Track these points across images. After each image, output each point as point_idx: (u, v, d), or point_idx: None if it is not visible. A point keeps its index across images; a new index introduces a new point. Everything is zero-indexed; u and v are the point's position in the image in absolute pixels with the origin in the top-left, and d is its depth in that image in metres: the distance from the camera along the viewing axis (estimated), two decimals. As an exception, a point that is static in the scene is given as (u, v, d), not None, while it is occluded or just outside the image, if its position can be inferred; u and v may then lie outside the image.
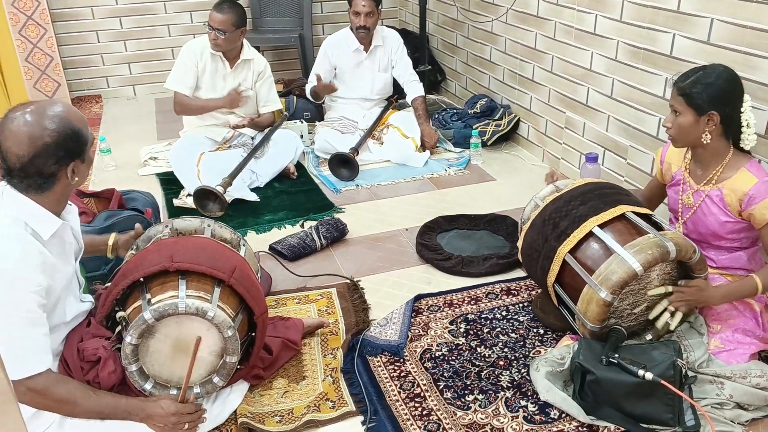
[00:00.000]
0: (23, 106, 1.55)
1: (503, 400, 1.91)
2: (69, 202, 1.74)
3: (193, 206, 3.05)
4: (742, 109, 1.92)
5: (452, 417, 1.86)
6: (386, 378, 2.01)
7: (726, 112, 1.89)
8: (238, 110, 3.48)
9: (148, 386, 1.72)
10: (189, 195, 3.12)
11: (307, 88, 3.86)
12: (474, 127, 3.77)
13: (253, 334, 1.89)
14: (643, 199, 2.27)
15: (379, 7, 3.65)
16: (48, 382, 1.54)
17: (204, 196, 3.03)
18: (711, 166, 2.00)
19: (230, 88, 3.42)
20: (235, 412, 1.86)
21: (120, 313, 1.74)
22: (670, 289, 1.93)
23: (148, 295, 1.72)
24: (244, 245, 2.06)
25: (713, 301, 1.94)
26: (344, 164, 3.46)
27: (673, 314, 1.94)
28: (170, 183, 3.35)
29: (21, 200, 1.56)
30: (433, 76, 4.69)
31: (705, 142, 1.94)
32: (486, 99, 3.98)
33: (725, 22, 2.32)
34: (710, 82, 1.88)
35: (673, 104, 1.95)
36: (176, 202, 3.17)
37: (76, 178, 1.59)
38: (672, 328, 1.95)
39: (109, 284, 1.86)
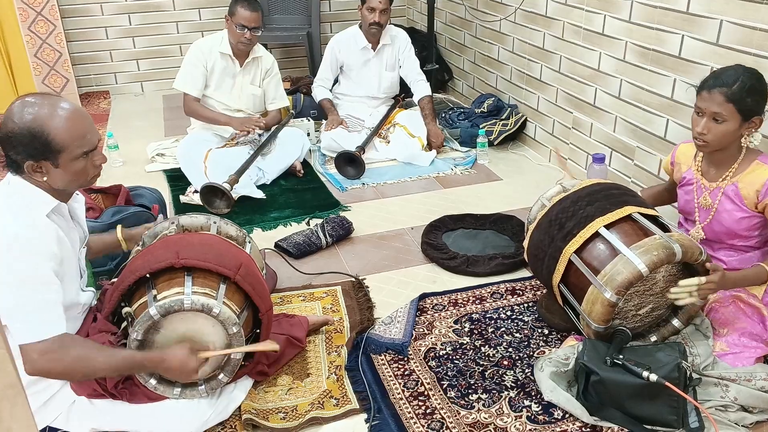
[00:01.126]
0: (32, 95, 1.59)
1: (507, 399, 1.91)
2: (76, 192, 1.77)
3: (200, 203, 3.06)
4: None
5: (455, 416, 1.86)
6: (390, 376, 2.02)
7: (763, 114, 1.91)
8: (246, 108, 3.49)
9: (152, 381, 1.73)
10: (196, 191, 3.13)
11: (316, 94, 3.86)
12: (481, 126, 3.77)
13: (258, 330, 1.90)
14: (659, 193, 2.29)
15: (391, 5, 3.66)
16: (62, 343, 1.55)
17: (211, 192, 3.04)
18: (726, 164, 2.00)
19: (239, 87, 3.43)
20: (239, 408, 1.87)
21: (126, 309, 1.75)
22: (703, 280, 1.83)
23: (154, 291, 1.73)
24: (249, 242, 2.07)
25: (725, 286, 1.91)
26: (350, 162, 3.46)
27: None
28: (177, 179, 3.37)
29: (20, 179, 1.60)
30: (440, 75, 4.68)
31: (744, 146, 1.95)
32: (493, 98, 3.97)
33: (734, 23, 2.30)
34: (759, 88, 1.88)
35: (718, 111, 1.87)
36: (183, 198, 3.18)
37: (45, 178, 1.58)
38: (684, 303, 1.88)
39: (115, 280, 1.87)
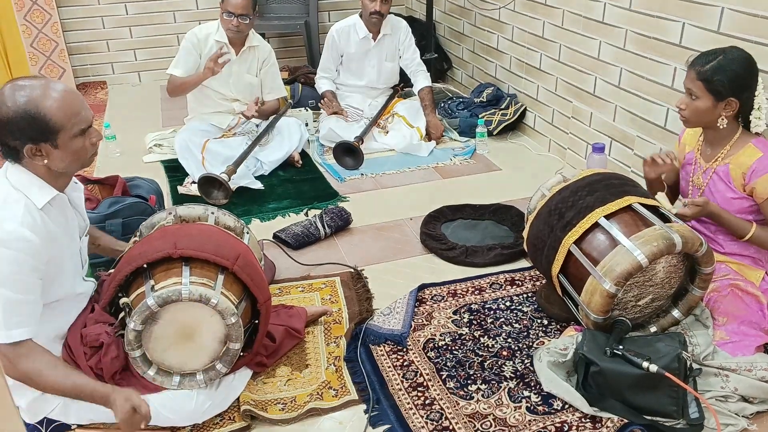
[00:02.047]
0: (21, 78, 1.56)
1: (506, 390, 1.91)
2: (75, 180, 1.75)
3: (198, 193, 3.04)
4: (756, 93, 1.94)
5: (455, 407, 1.86)
6: (389, 367, 2.01)
7: (744, 98, 1.92)
8: (243, 98, 3.47)
9: (151, 372, 1.72)
10: (193, 182, 3.12)
11: (319, 86, 3.85)
12: (480, 116, 3.75)
13: (257, 321, 1.89)
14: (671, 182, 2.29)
15: None
16: (20, 351, 1.52)
17: (208, 183, 3.02)
18: (720, 144, 2.03)
19: (236, 76, 3.40)
20: (237, 399, 1.86)
21: (123, 300, 1.74)
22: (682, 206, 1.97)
23: (152, 282, 1.72)
24: (247, 233, 2.06)
25: (709, 213, 1.98)
26: (349, 153, 3.44)
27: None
28: (175, 170, 3.35)
29: (18, 168, 1.58)
30: (439, 65, 4.66)
31: (721, 127, 1.96)
32: (492, 88, 3.95)
33: (736, 11, 2.28)
34: (733, 69, 1.88)
35: (690, 88, 1.94)
36: (181, 189, 3.17)
37: (45, 161, 1.56)
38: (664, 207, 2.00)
39: (112, 270, 1.86)
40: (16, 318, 1.51)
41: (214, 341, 1.76)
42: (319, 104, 3.79)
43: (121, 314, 1.75)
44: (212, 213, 2.03)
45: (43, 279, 1.56)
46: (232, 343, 1.75)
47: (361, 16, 3.70)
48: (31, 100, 1.51)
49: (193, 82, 3.28)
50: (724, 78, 1.88)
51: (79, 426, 1.75)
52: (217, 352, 1.77)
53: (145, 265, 1.74)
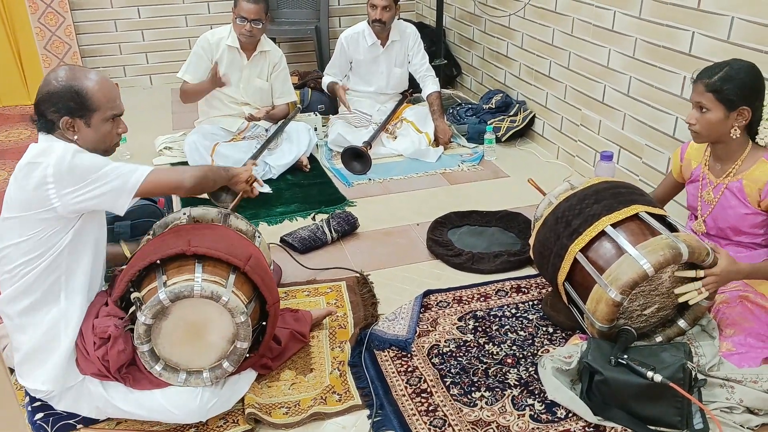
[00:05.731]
0: (70, 65, 1.84)
1: (510, 398, 1.91)
2: None
3: (206, 197, 3.05)
4: (765, 104, 1.93)
5: (458, 413, 1.86)
6: (393, 373, 2.02)
7: (755, 106, 1.91)
8: (253, 102, 3.49)
9: (158, 367, 1.73)
10: (202, 185, 3.13)
11: (324, 81, 3.87)
12: (489, 122, 3.75)
13: (264, 323, 1.90)
14: (658, 197, 2.26)
15: (398, 2, 3.63)
16: (154, 176, 1.83)
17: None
18: (731, 159, 2.01)
19: (246, 80, 3.42)
20: (242, 401, 1.87)
21: (135, 294, 1.75)
22: (701, 273, 1.85)
23: (164, 277, 1.73)
24: (258, 237, 2.08)
25: (738, 277, 1.90)
26: (357, 158, 3.46)
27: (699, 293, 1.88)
28: (184, 173, 3.36)
29: (52, 138, 1.73)
30: (448, 71, 4.67)
31: (734, 137, 1.95)
32: (501, 94, 3.96)
33: (746, 20, 2.28)
34: (741, 78, 1.89)
35: (700, 101, 1.93)
36: (189, 191, 3.18)
37: (76, 137, 1.74)
38: (695, 301, 1.89)
39: (125, 266, 1.87)
40: (132, 166, 1.81)
41: (223, 339, 1.77)
42: (331, 115, 3.78)
43: (132, 308, 1.77)
44: (225, 216, 2.06)
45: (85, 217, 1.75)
46: (240, 342, 1.76)
47: (368, 22, 3.72)
48: (77, 79, 1.72)
49: (204, 89, 3.32)
50: (733, 86, 1.88)
51: (84, 426, 1.77)
52: (225, 351, 1.78)
53: (158, 261, 1.76)
